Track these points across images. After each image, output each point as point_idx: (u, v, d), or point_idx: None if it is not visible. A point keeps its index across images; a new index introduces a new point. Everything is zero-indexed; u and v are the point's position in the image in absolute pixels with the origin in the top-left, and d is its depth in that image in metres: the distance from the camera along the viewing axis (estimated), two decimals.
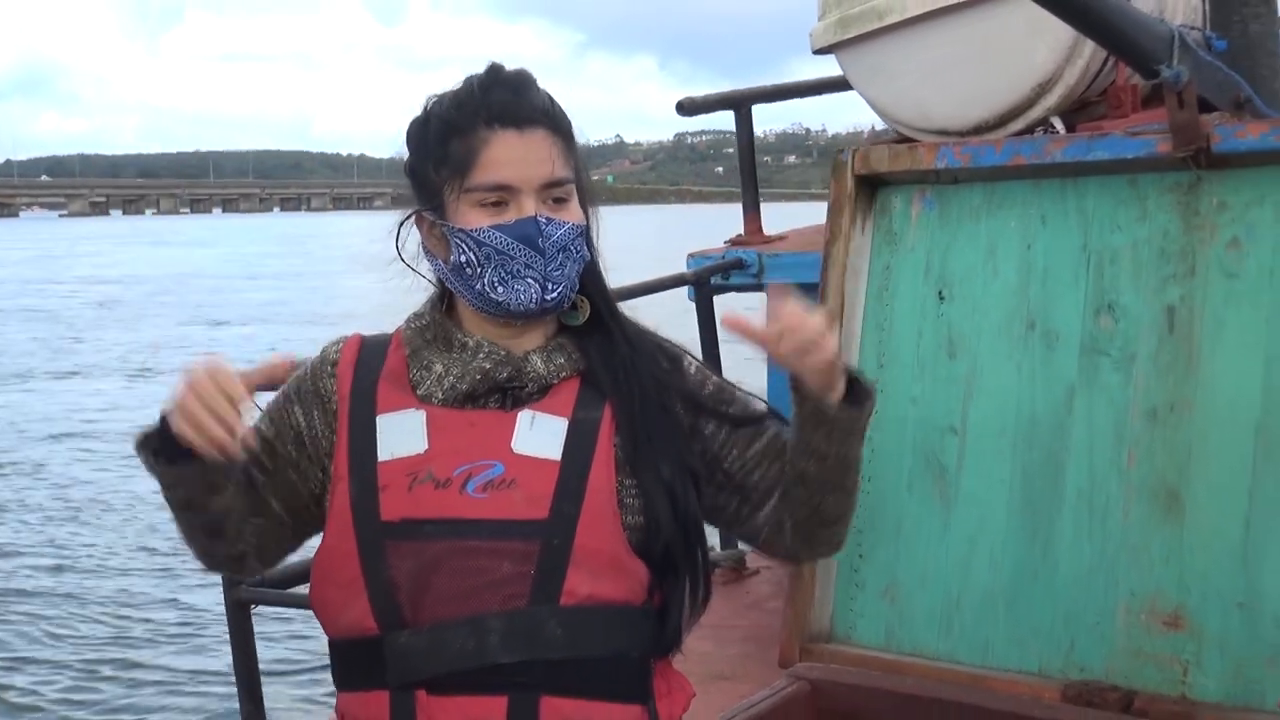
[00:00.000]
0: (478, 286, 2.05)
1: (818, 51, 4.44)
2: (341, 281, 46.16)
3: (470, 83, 2.11)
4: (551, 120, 2.07)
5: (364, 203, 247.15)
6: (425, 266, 2.21)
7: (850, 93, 4.84)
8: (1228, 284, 3.06)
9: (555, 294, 2.05)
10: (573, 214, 2.07)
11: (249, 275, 53.47)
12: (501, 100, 2.06)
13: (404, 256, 2.22)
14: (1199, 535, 3.02)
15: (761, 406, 2.23)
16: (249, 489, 2.08)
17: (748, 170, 5.01)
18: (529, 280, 2.03)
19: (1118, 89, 4.06)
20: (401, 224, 2.21)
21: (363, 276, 47.34)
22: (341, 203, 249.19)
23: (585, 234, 2.10)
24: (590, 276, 2.14)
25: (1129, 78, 3.87)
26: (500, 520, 1.98)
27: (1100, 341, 3.20)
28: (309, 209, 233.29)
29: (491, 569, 1.97)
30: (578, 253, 2.07)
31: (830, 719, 3.25)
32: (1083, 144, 3.29)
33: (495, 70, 2.13)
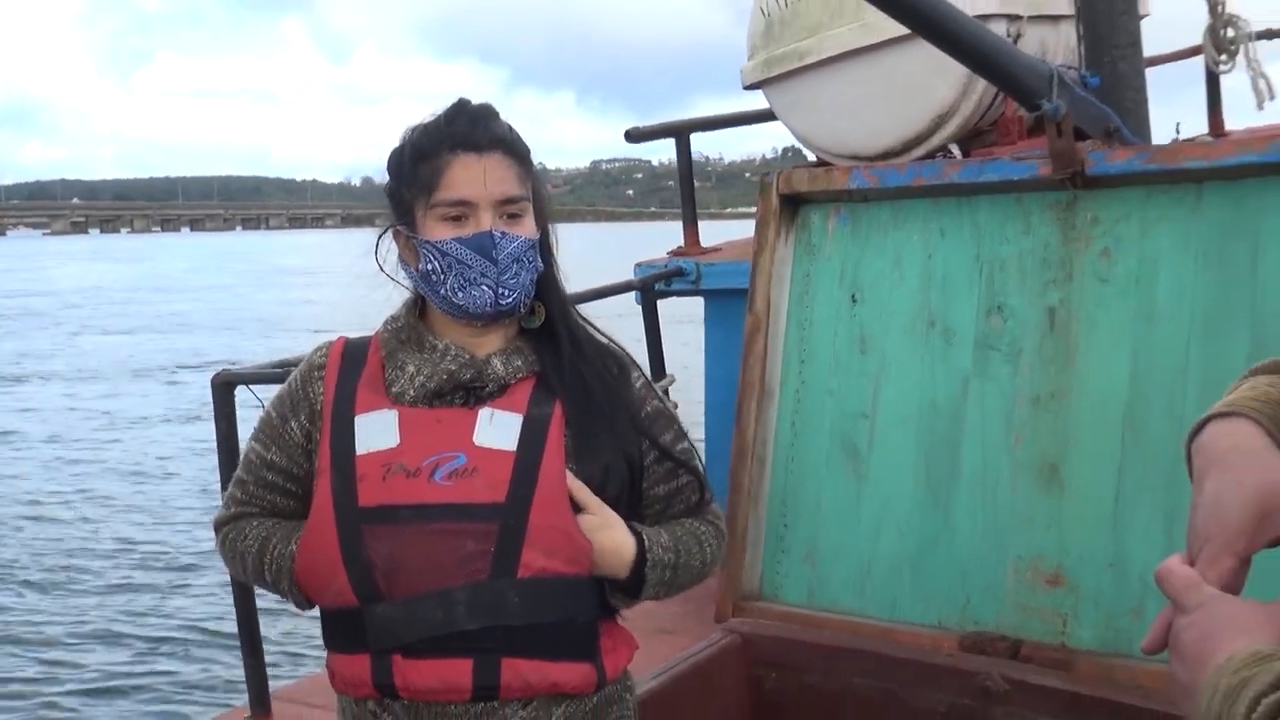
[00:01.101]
0: (441, 291, 2.07)
1: (748, 87, 4.45)
2: (242, 295, 45.14)
3: (439, 114, 2.12)
4: (507, 146, 2.08)
5: (316, 222, 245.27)
6: (404, 276, 2.20)
7: (746, 126, 4.88)
8: (1100, 288, 3.08)
9: (509, 300, 2.06)
10: (526, 228, 2.08)
11: (160, 289, 50.86)
12: (463, 128, 2.08)
13: (383, 267, 2.22)
14: (1076, 506, 3.04)
15: (689, 456, 2.25)
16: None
17: (687, 191, 5.01)
18: (484, 287, 2.04)
19: (1006, 120, 4.08)
20: (380, 237, 2.21)
21: (265, 291, 46.59)
22: (297, 222, 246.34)
23: (538, 246, 2.10)
24: (546, 285, 2.15)
25: (1016, 110, 3.90)
26: (464, 504, 2.00)
27: (991, 338, 3.21)
28: (268, 227, 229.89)
29: (457, 547, 1.99)
30: (530, 263, 2.07)
31: (758, 667, 3.26)
32: (975, 167, 3.32)
33: (461, 104, 2.15)
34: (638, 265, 4.52)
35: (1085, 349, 3.08)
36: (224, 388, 3.01)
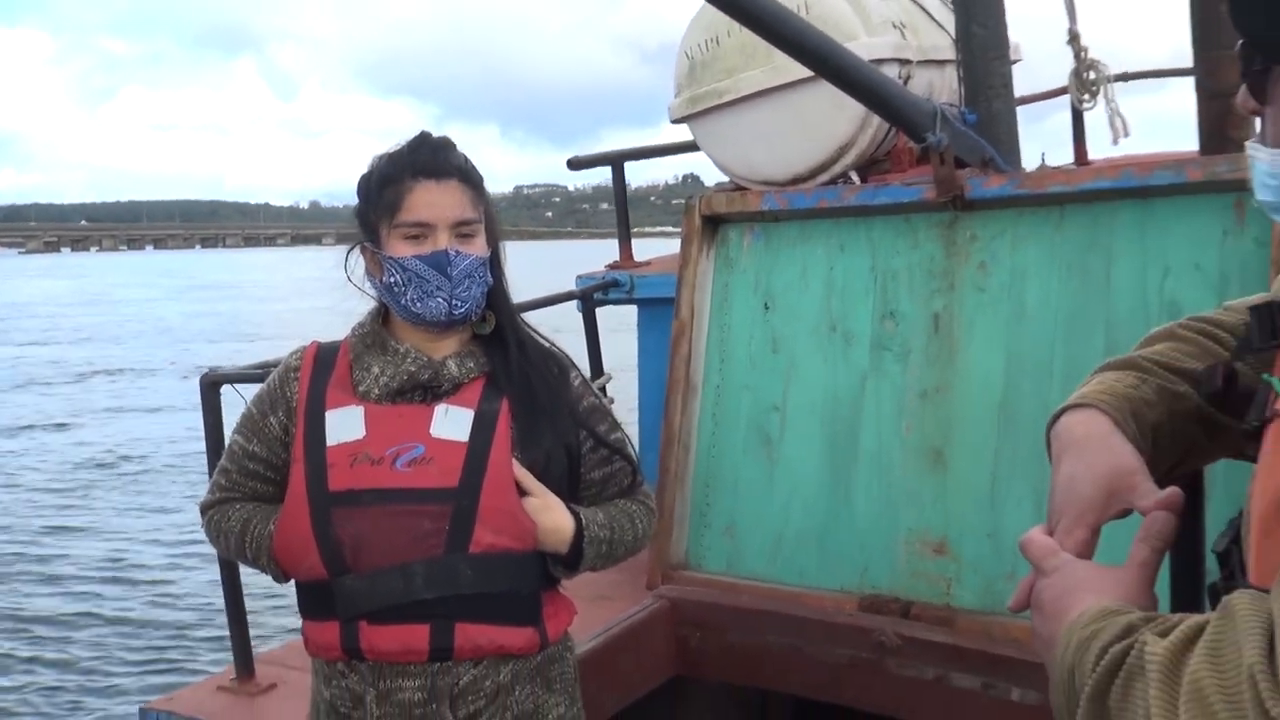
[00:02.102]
0: (403, 302, 2.07)
1: (675, 121, 4.43)
2: (153, 308, 43.79)
3: (403, 145, 2.13)
4: (463, 174, 2.08)
5: (269, 240, 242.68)
6: (370, 287, 2.20)
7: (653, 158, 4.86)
8: (977, 296, 3.10)
9: (462, 310, 2.06)
10: (478, 247, 2.08)
11: (88, 302, 49.36)
12: (425, 158, 2.08)
13: (352, 279, 2.21)
14: (958, 484, 3.06)
15: (622, 445, 2.25)
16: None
17: (621, 212, 4.99)
18: (440, 299, 2.04)
19: (898, 150, 4.10)
20: (349, 252, 2.20)
21: (175, 304, 45.22)
22: (251, 240, 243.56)
23: (487, 263, 2.10)
24: (496, 296, 2.15)
25: (906, 142, 3.92)
26: (421, 489, 2.01)
27: (885, 340, 3.23)
28: (225, 246, 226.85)
29: (415, 526, 2.00)
30: (481, 278, 2.08)
31: (684, 628, 3.28)
32: (871, 191, 3.34)
33: (423, 136, 2.16)
34: (578, 277, 4.52)
35: (965, 349, 3.10)
36: (211, 387, 2.97)
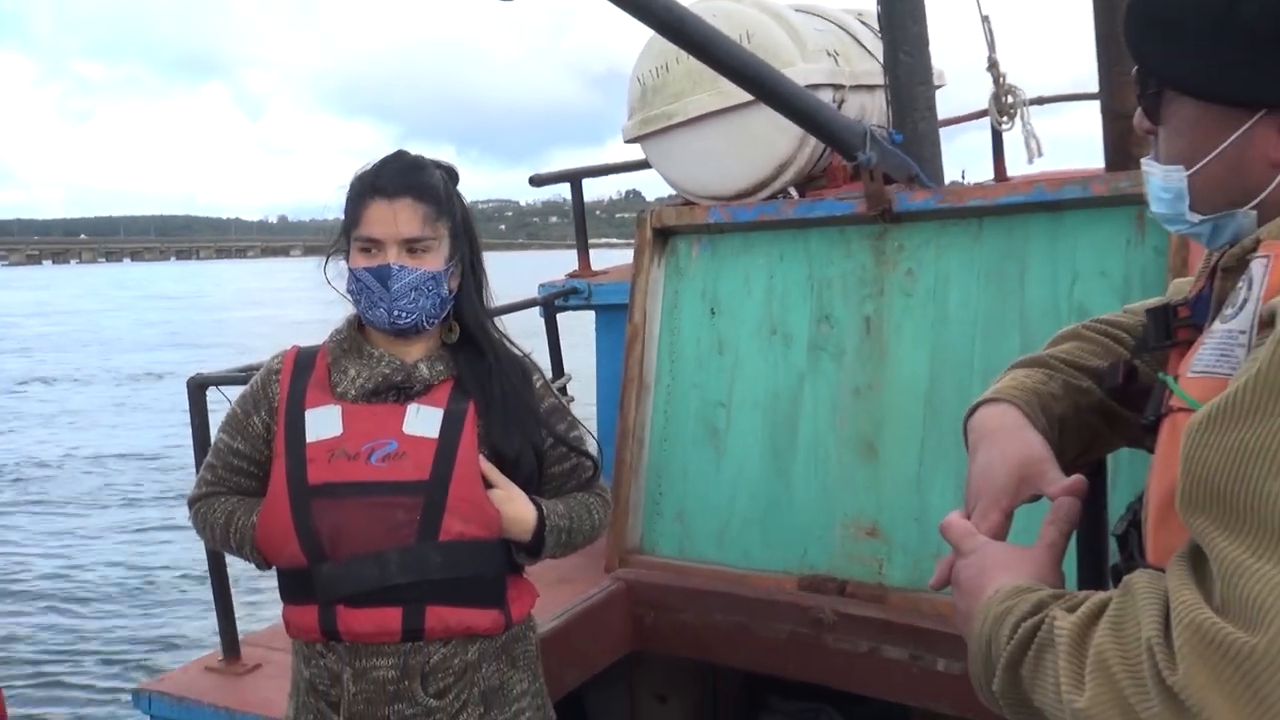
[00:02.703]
0: (359, 308, 2.08)
1: (628, 141, 4.41)
2: (103, 319, 42.43)
3: (372, 164, 2.10)
4: (418, 193, 2.04)
5: (240, 253, 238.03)
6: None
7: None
8: (905, 301, 3.12)
9: (405, 320, 2.04)
10: (429, 263, 2.04)
11: (36, 313, 46.54)
12: (383, 177, 2.06)
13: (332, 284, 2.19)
14: (888, 473, 3.08)
15: (580, 442, 2.24)
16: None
17: (580, 225, 4.97)
18: (381, 309, 2.04)
19: (833, 168, 4.10)
20: (325, 263, 2.18)
21: (122, 314, 43.81)
22: (223, 253, 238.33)
23: (441, 277, 2.06)
24: (463, 305, 2.13)
25: (840, 160, 3.93)
26: (395, 482, 1.99)
27: (821, 341, 3.24)
28: (198, 258, 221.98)
29: (389, 517, 1.98)
30: (431, 291, 2.04)
31: (640, 607, 3.28)
32: (808, 205, 3.35)
33: (393, 155, 2.14)
34: (541, 285, 4.50)
35: (894, 349, 3.11)
36: (198, 389, 2.94)
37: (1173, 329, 1.24)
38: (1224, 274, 1.13)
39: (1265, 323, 0.96)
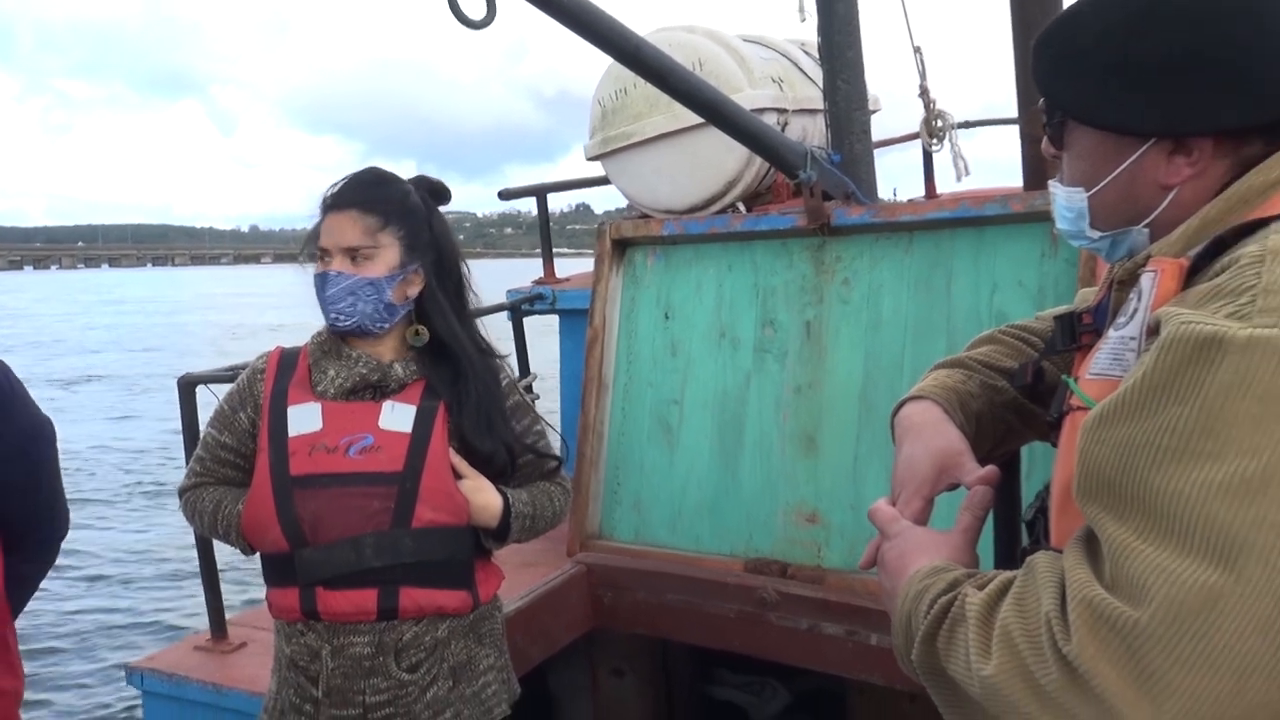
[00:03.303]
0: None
1: (590, 159, 4.42)
2: (55, 323, 40.67)
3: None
4: (363, 205, 2.02)
5: (213, 259, 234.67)
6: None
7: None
8: (842, 308, 3.12)
9: (345, 323, 2.03)
10: (369, 270, 2.01)
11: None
12: (337, 191, 2.05)
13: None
14: (827, 464, 3.09)
15: (540, 437, 2.23)
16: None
17: (545, 236, 4.96)
18: (324, 312, 2.03)
19: (778, 185, 4.13)
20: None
21: (75, 318, 42.11)
22: (198, 259, 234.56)
23: (381, 284, 2.02)
24: (427, 310, 2.10)
25: (784, 178, 3.95)
26: (371, 473, 1.98)
27: (766, 344, 3.24)
28: (174, 264, 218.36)
29: (365, 505, 1.97)
30: (369, 296, 2.01)
31: (599, 588, 3.27)
32: (754, 219, 3.35)
33: (359, 171, 2.12)
34: (509, 291, 4.49)
35: (832, 351, 3.12)
36: (188, 387, 2.90)
37: (1077, 334, 1.26)
38: (1119, 286, 1.15)
39: (1152, 330, 0.98)
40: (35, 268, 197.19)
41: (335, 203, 2.03)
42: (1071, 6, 1.17)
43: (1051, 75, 1.18)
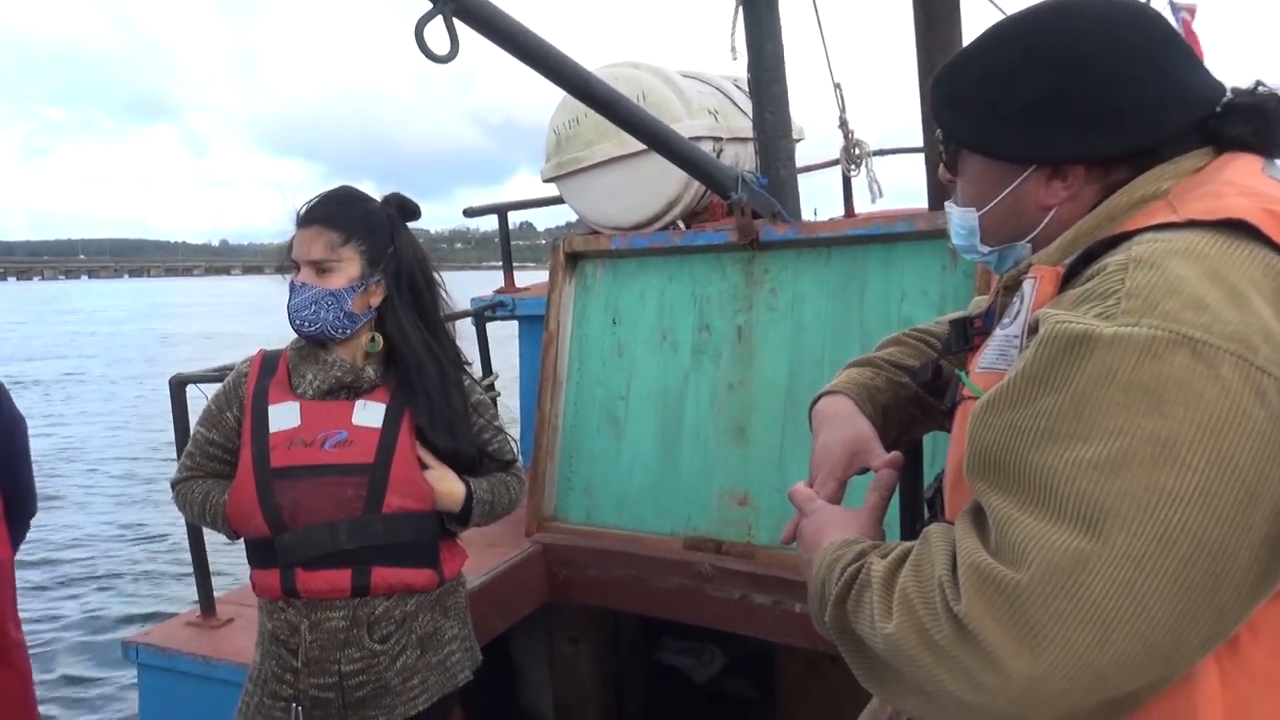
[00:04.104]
0: None
1: (546, 181, 4.41)
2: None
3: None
4: (325, 221, 2.00)
5: (185, 271, 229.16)
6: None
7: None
8: (769, 314, 3.15)
9: (309, 329, 2.01)
10: (331, 282, 1.99)
11: None
12: (308, 208, 2.03)
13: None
14: (756, 453, 3.11)
15: (498, 432, 2.19)
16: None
17: (506, 251, 4.93)
18: (289, 318, 2.01)
19: (713, 205, 4.14)
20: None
21: (25, 328, 39.88)
22: (171, 271, 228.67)
23: (341, 294, 1.99)
24: (386, 319, 2.07)
25: (718, 199, 3.97)
26: (345, 464, 1.97)
27: (702, 346, 3.26)
28: (149, 275, 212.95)
29: (340, 494, 1.96)
30: (330, 306, 1.99)
31: (554, 565, 3.26)
32: (692, 235, 3.37)
33: (331, 190, 2.09)
34: (472, 299, 4.47)
35: (760, 353, 3.14)
36: (179, 386, 2.85)
37: (969, 336, 1.28)
38: (1005, 291, 1.17)
39: (1032, 329, 1.00)
40: (18, 279, 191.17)
41: (304, 219, 2.01)
42: (962, 50, 1.20)
43: (946, 109, 1.20)
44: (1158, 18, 1.11)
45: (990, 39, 1.15)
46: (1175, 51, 1.08)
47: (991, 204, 1.18)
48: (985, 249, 1.23)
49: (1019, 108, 1.10)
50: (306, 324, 1.99)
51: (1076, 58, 1.07)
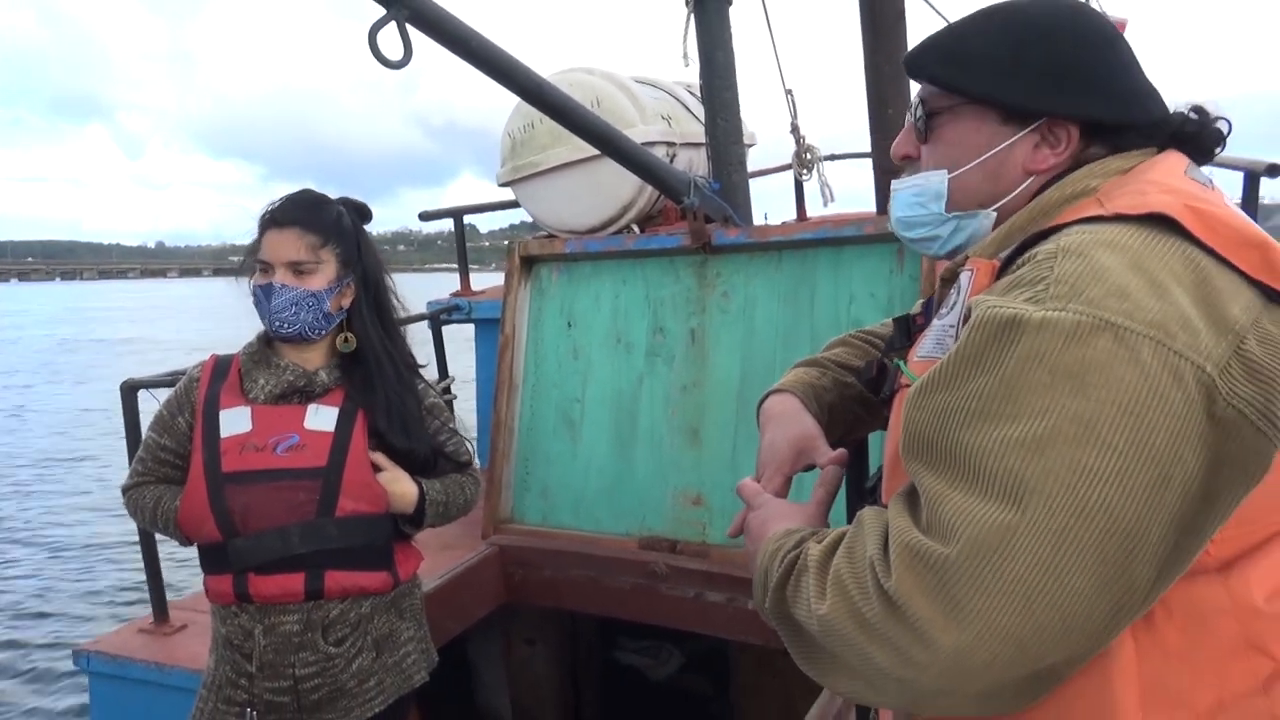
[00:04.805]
0: (260, 319, 2.02)
1: (502, 185, 4.41)
2: None
3: (279, 199, 2.07)
4: (304, 224, 1.99)
5: (120, 274, 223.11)
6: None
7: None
8: (721, 317, 3.17)
9: (288, 330, 2.00)
10: (311, 283, 1.99)
11: None
12: (280, 210, 2.02)
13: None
14: (709, 454, 3.13)
15: (452, 435, 2.20)
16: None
17: (462, 255, 4.93)
18: (268, 320, 1.99)
19: (667, 209, 4.17)
20: (250, 280, 2.09)
21: None
22: (105, 274, 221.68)
23: (321, 295, 2.00)
24: (353, 320, 2.08)
25: (671, 203, 3.99)
26: (298, 468, 1.95)
27: (656, 348, 3.28)
28: (82, 279, 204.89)
29: (292, 498, 1.94)
30: (311, 307, 1.99)
31: (510, 566, 3.26)
32: (645, 239, 3.39)
33: (296, 193, 2.08)
34: (429, 303, 4.45)
35: (713, 354, 3.16)
36: (130, 391, 2.81)
37: (911, 333, 1.31)
38: (943, 284, 1.20)
39: (967, 318, 1.02)
40: None
41: (279, 220, 1.99)
42: (952, 24, 1.23)
43: (946, 66, 1.20)
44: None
45: (988, 16, 1.19)
46: (1133, 55, 1.17)
47: (970, 165, 1.19)
48: (945, 215, 1.23)
49: (1037, 68, 1.14)
50: (287, 325, 1.98)
51: (1087, 37, 1.14)
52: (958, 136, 1.20)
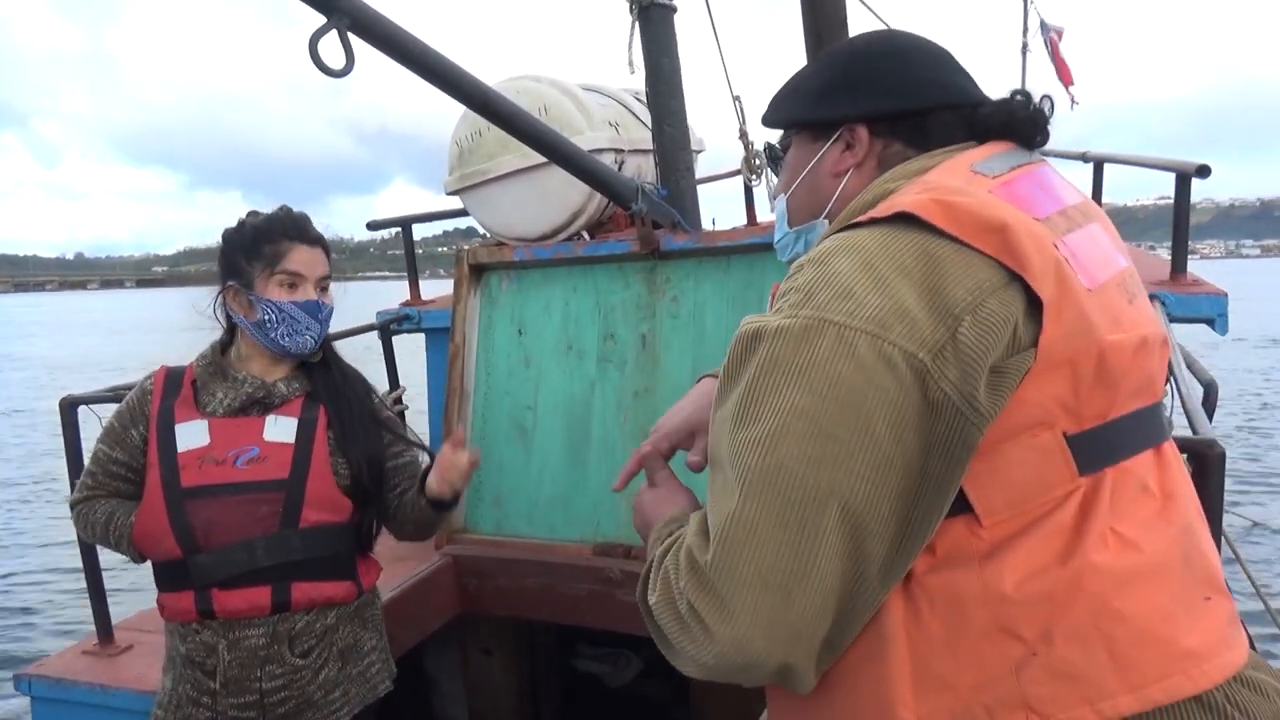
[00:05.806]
0: (273, 336, 2.04)
1: (450, 193, 4.42)
2: None
3: (274, 212, 2.09)
4: (323, 243, 2.08)
5: (37, 287, 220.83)
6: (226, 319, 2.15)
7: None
8: (671, 322, 3.22)
9: (313, 346, 2.07)
10: (330, 298, 2.09)
11: None
12: (298, 225, 2.05)
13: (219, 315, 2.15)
14: None
15: (407, 447, 2.26)
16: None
17: (411, 263, 4.91)
18: (309, 336, 2.05)
19: (616, 216, 4.21)
20: (220, 292, 2.11)
21: None
22: (20, 287, 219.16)
23: (331, 311, 2.11)
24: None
25: (620, 210, 4.04)
26: (259, 481, 1.98)
27: (608, 354, 3.32)
28: None
29: (255, 510, 1.97)
30: (328, 322, 2.10)
31: (465, 576, 3.29)
32: (595, 246, 3.43)
33: (291, 211, 2.11)
34: (378, 312, 4.45)
35: (664, 360, 3.21)
36: (70, 407, 2.79)
37: None
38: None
39: None
40: None
41: (309, 236, 2.05)
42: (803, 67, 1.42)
43: (779, 108, 1.38)
44: (934, 45, 1.33)
45: (822, 57, 1.37)
46: (942, 62, 1.29)
47: (798, 181, 1.34)
48: (794, 231, 1.38)
49: (835, 86, 1.29)
50: (315, 340, 2.06)
51: (856, 56, 1.30)
52: (788, 162, 1.37)
